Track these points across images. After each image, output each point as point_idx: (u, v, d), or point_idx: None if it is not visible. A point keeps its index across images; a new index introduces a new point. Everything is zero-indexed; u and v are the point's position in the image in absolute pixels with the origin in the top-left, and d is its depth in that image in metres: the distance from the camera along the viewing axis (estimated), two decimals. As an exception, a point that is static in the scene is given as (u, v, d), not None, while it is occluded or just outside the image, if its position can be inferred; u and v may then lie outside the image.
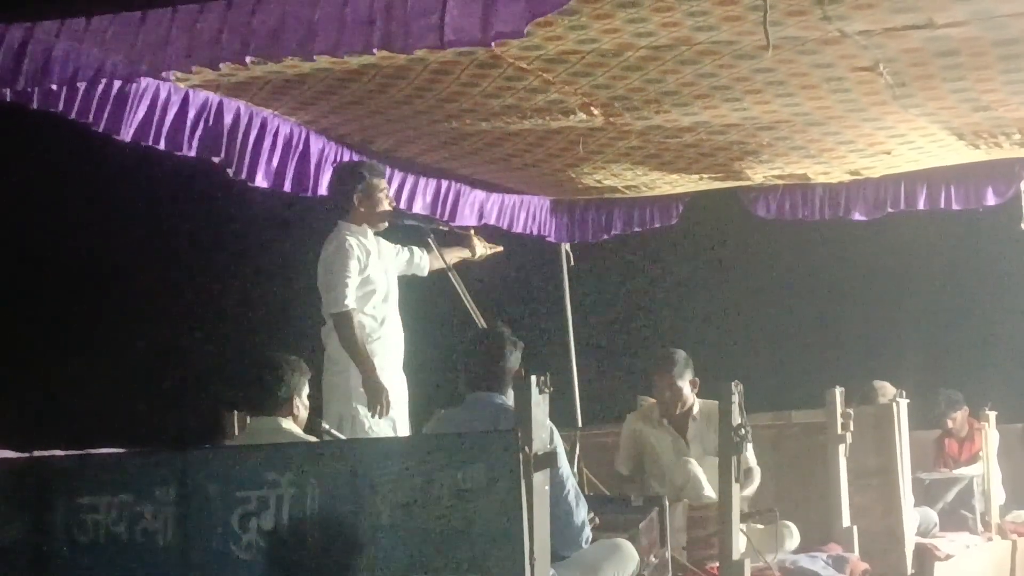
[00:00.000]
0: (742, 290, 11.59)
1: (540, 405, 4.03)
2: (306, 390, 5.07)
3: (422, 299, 6.90)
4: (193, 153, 6.02)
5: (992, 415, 7.96)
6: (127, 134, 5.69)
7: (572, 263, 9.01)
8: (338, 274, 6.08)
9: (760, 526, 6.28)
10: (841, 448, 6.64)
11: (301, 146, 6.62)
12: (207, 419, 6.95)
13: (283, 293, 10.03)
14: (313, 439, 4.95)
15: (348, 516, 4.00)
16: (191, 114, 5.93)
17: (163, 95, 5.78)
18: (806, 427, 7.05)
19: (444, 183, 7.75)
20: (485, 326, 6.13)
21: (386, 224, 6.37)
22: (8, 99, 5.24)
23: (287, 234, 9.78)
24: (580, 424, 8.25)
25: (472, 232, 6.95)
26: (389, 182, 6.90)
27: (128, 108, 5.64)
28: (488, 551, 3.83)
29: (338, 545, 4.01)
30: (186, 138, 5.93)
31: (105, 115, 5.57)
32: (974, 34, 5.47)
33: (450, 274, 6.48)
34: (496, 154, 7.37)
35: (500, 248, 7.08)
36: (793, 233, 9.73)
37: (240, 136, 6.21)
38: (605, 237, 8.99)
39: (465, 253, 6.83)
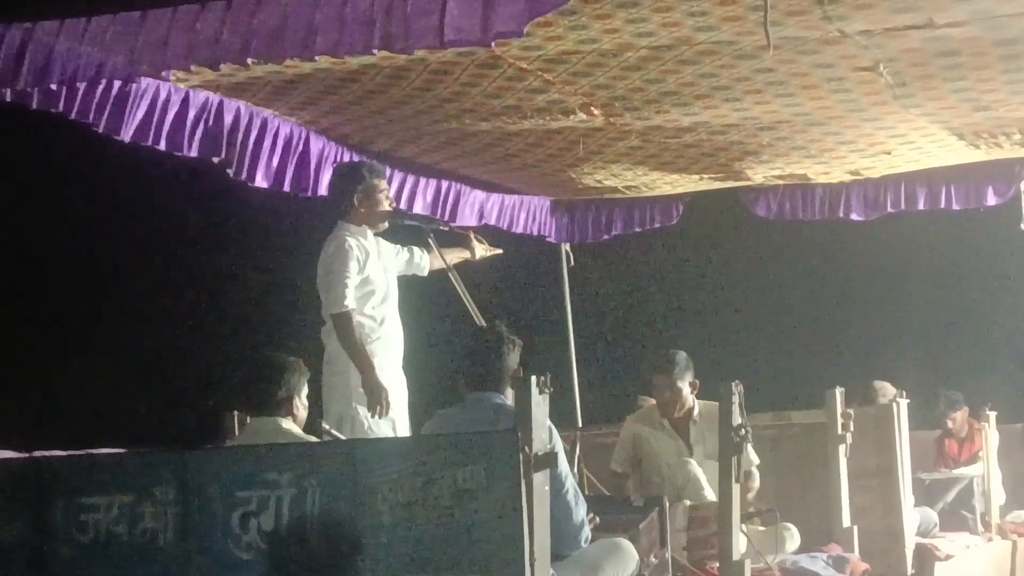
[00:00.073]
0: (742, 290, 11.60)
1: (540, 405, 4.03)
2: (306, 390, 5.07)
3: (422, 299, 6.91)
4: (193, 153, 6.01)
5: (992, 415, 7.96)
6: (127, 134, 5.69)
7: (572, 263, 9.01)
8: (337, 274, 6.08)
9: (760, 527, 6.28)
10: (841, 448, 6.63)
11: (301, 146, 6.62)
12: (207, 419, 6.94)
13: (283, 293, 10.03)
14: (313, 439, 4.96)
15: (348, 516, 4.00)
16: (191, 114, 5.93)
17: (163, 95, 5.78)
18: (806, 427, 7.03)
19: (444, 183, 7.75)
20: (485, 325, 6.12)
21: (386, 224, 6.37)
22: (8, 99, 5.24)
23: (287, 234, 9.78)
24: (580, 424, 8.25)
25: (472, 234, 6.95)
26: (389, 182, 6.90)
27: (128, 108, 5.64)
28: (488, 551, 3.83)
29: (338, 545, 4.01)
30: (186, 138, 5.93)
31: (105, 115, 5.56)
32: (974, 34, 5.46)
33: (450, 274, 6.47)
34: (496, 154, 7.37)
35: (500, 251, 7.08)
36: (793, 233, 9.73)
37: (240, 136, 6.21)
38: (605, 237, 8.98)
39: (465, 254, 6.83)
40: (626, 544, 5.03)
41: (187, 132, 5.92)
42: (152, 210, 10.53)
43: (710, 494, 6.34)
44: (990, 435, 7.95)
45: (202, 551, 4.16)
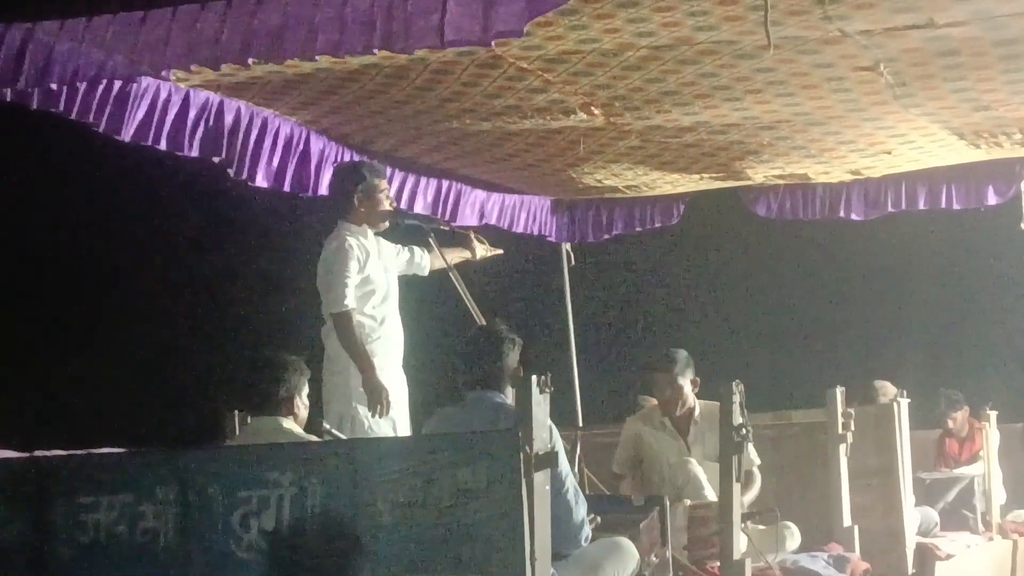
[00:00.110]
0: (742, 290, 11.60)
1: (541, 405, 4.03)
2: (306, 390, 5.07)
3: (422, 299, 6.90)
4: (194, 153, 6.01)
5: (992, 415, 7.97)
6: (127, 134, 5.68)
7: (572, 263, 9.01)
8: (338, 274, 6.08)
9: (761, 526, 6.28)
10: (842, 448, 6.63)
11: (301, 146, 6.61)
12: (207, 419, 6.94)
13: (283, 293, 10.03)
14: (314, 439, 4.95)
15: (349, 516, 4.00)
16: (191, 114, 5.92)
17: (163, 95, 5.77)
18: (807, 427, 7.04)
19: (445, 183, 7.74)
20: (485, 324, 6.12)
21: (387, 224, 6.37)
22: (8, 99, 5.24)
23: (287, 234, 9.78)
24: (580, 424, 8.25)
25: (472, 234, 6.95)
26: (390, 182, 6.89)
27: (128, 108, 5.63)
28: (488, 551, 3.83)
29: (339, 545, 4.01)
30: (186, 138, 5.93)
31: (105, 115, 5.56)
32: (974, 34, 5.47)
33: (451, 274, 6.47)
34: (497, 154, 7.37)
35: (500, 251, 7.08)
36: (793, 233, 9.74)
37: (240, 136, 6.20)
38: (605, 237, 8.98)
39: (466, 254, 6.82)
40: (627, 543, 5.03)
41: (187, 132, 5.92)
42: (152, 210, 10.53)
43: (710, 494, 6.34)
44: (991, 434, 7.95)
45: (202, 551, 4.15)
